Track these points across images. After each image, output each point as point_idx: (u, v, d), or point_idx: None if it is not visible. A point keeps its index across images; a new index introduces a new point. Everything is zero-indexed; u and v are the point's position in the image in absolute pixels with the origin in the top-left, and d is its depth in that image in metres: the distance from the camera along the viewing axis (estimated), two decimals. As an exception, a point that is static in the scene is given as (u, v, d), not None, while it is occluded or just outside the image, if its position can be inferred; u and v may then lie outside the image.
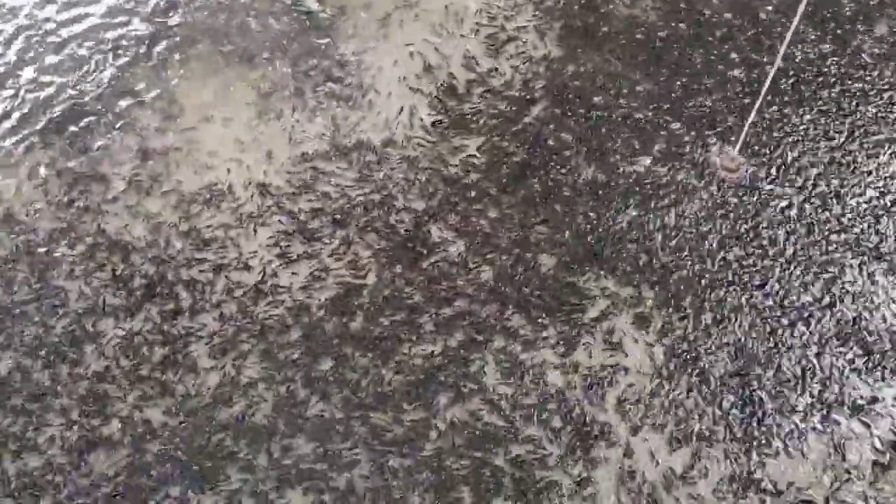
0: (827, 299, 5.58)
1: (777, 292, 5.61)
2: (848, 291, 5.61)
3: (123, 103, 6.67)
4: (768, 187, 6.05)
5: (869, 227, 5.87)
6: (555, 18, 7.06)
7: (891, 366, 5.32)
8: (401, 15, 7.06)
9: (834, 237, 5.83)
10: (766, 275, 5.66)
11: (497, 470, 4.99)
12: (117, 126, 6.55)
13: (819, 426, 5.11)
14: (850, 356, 5.36)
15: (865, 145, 6.25)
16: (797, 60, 6.70)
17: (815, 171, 6.13)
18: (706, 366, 5.33)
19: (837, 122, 6.37)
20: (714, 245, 5.81)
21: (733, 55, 6.76)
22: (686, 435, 5.09)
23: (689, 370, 5.32)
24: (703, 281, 5.67)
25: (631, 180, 6.13)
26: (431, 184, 6.16)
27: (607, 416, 5.18)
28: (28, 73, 6.89)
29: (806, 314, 5.52)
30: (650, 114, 6.47)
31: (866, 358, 5.35)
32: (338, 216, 6.02)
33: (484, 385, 5.30)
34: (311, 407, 5.23)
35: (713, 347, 5.41)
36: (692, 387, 5.26)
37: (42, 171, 6.33)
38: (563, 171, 6.19)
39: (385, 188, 6.14)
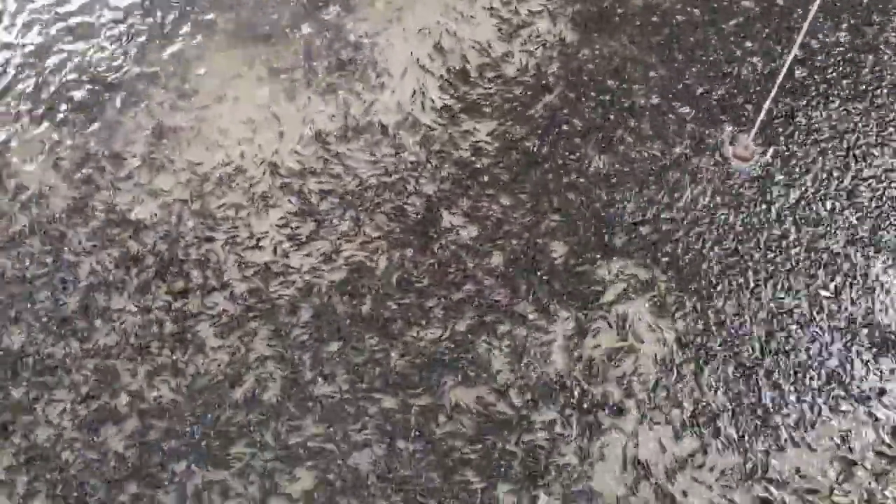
0: (837, 290, 5.55)
1: (786, 284, 5.59)
2: (859, 283, 5.57)
3: (138, 81, 6.70)
4: (781, 177, 6.01)
5: (884, 219, 5.83)
6: (569, 2, 7.01)
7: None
8: (415, -3, 7.06)
9: (845, 228, 5.79)
10: (776, 268, 5.64)
11: (504, 453, 5.01)
12: (131, 104, 6.58)
13: (826, 416, 5.09)
14: (858, 347, 5.33)
15: (883, 136, 6.19)
16: (814, 48, 6.63)
17: (830, 162, 6.08)
18: (717, 352, 5.33)
19: (854, 112, 6.31)
20: (727, 233, 5.78)
21: (749, 43, 6.70)
22: (693, 421, 5.10)
23: (701, 356, 5.31)
24: (716, 268, 5.64)
25: (644, 167, 6.09)
26: (443, 168, 6.15)
27: (615, 401, 5.19)
28: (42, 49, 6.91)
29: (816, 306, 5.50)
30: (664, 100, 6.42)
31: (875, 349, 5.33)
32: (348, 198, 6.02)
33: (491, 369, 5.31)
34: (317, 388, 5.25)
35: (724, 334, 5.40)
36: (702, 372, 5.26)
37: (56, 147, 6.36)
38: (576, 156, 6.16)
39: (396, 171, 6.13)
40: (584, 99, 6.46)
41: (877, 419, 5.08)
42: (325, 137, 6.32)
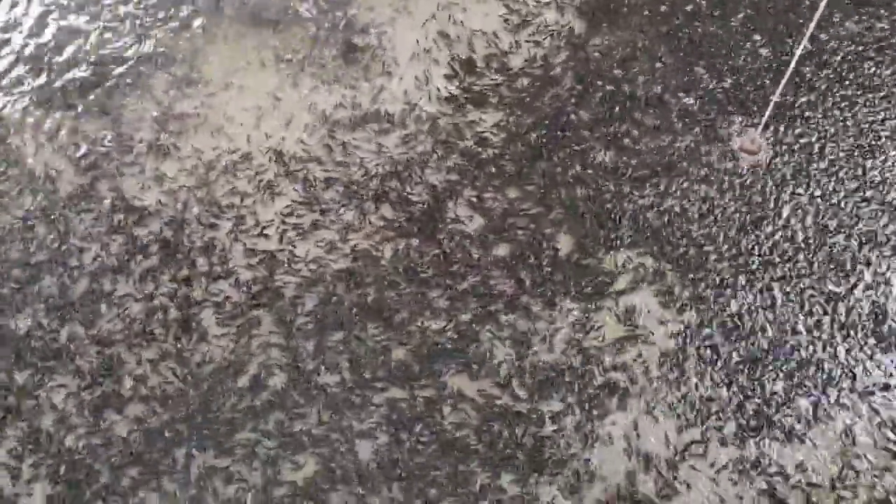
0: (845, 286, 5.54)
1: (792, 278, 5.58)
2: (867, 278, 5.56)
3: (144, 68, 6.69)
4: (788, 170, 5.99)
5: (891, 214, 5.81)
6: (577, -7, 7.00)
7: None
8: (422, -14, 7.02)
9: (853, 223, 5.77)
10: (783, 277, 5.63)
11: (508, 444, 5.02)
12: (138, 90, 6.57)
13: (830, 411, 5.09)
14: (864, 342, 5.32)
15: (893, 129, 6.16)
16: (823, 41, 6.60)
17: (838, 155, 6.06)
18: (722, 345, 5.32)
19: (864, 105, 6.28)
20: (734, 226, 5.77)
21: (757, 35, 6.67)
22: (697, 413, 5.10)
23: (706, 348, 5.31)
24: (722, 261, 5.63)
25: (651, 159, 6.08)
26: (449, 158, 6.13)
27: (619, 391, 5.19)
28: (49, 35, 6.91)
29: (823, 299, 5.49)
30: (671, 92, 6.40)
31: (880, 344, 5.32)
32: (354, 187, 6.01)
33: (495, 360, 5.31)
34: (321, 377, 5.26)
35: (730, 327, 5.39)
36: (707, 365, 5.25)
37: (62, 133, 6.36)
38: (582, 147, 6.15)
39: (402, 161, 6.12)
40: (591, 90, 6.44)
41: (880, 414, 5.07)
42: (331, 126, 6.32)
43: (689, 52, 6.61)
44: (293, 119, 6.37)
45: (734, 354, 5.29)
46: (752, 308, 5.46)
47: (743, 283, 5.56)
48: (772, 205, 5.86)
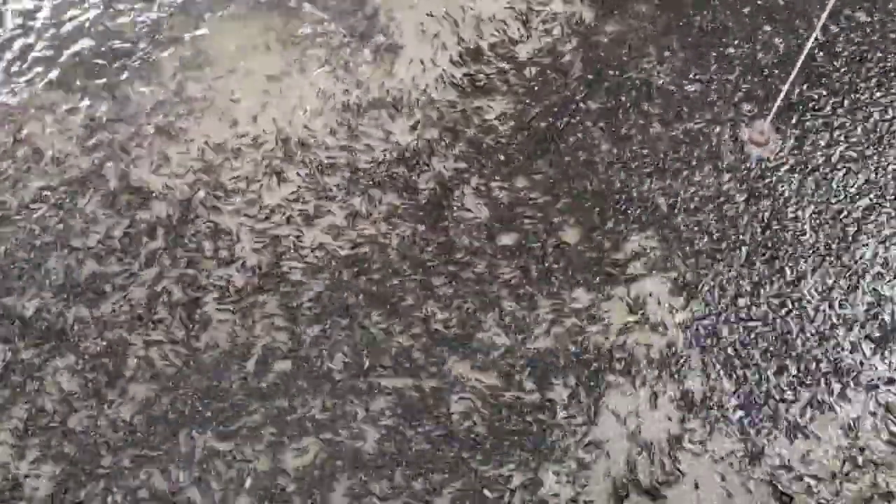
0: (851, 278, 5.52)
1: (800, 270, 5.57)
2: (874, 271, 5.54)
3: (153, 50, 6.68)
4: (797, 162, 5.97)
5: (897, 207, 5.81)
6: (588, -19, 6.96)
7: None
8: (433, -27, 6.98)
9: (862, 216, 5.75)
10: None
11: (511, 432, 5.03)
12: (144, 73, 6.56)
13: (834, 404, 5.09)
14: (866, 336, 5.31)
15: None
16: (834, 32, 6.55)
17: (848, 147, 6.03)
18: (728, 336, 5.32)
19: (874, 97, 6.24)
20: (742, 217, 5.75)
21: (768, 26, 6.63)
22: (701, 402, 5.10)
23: (712, 339, 5.30)
24: (729, 253, 5.62)
25: (659, 149, 6.05)
26: (456, 146, 6.12)
27: (624, 380, 5.19)
28: (57, 17, 6.89)
29: (828, 294, 5.47)
30: (680, 82, 6.37)
31: (883, 338, 5.30)
32: (360, 173, 6.00)
33: (500, 348, 5.31)
34: (324, 364, 5.26)
35: (737, 317, 5.38)
36: (712, 355, 5.25)
37: (69, 115, 6.36)
38: (591, 137, 6.13)
39: (409, 147, 6.11)
40: (599, 79, 6.41)
41: (884, 407, 5.06)
42: (337, 111, 6.30)
43: (699, 41, 6.58)
44: (300, 104, 6.35)
45: (740, 344, 5.28)
46: (759, 298, 5.45)
47: (750, 273, 5.54)
48: (780, 196, 5.84)
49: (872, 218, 5.74)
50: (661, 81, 6.38)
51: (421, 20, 6.78)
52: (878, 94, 6.25)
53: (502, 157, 6.05)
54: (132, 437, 5.04)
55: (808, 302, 5.44)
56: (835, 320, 5.37)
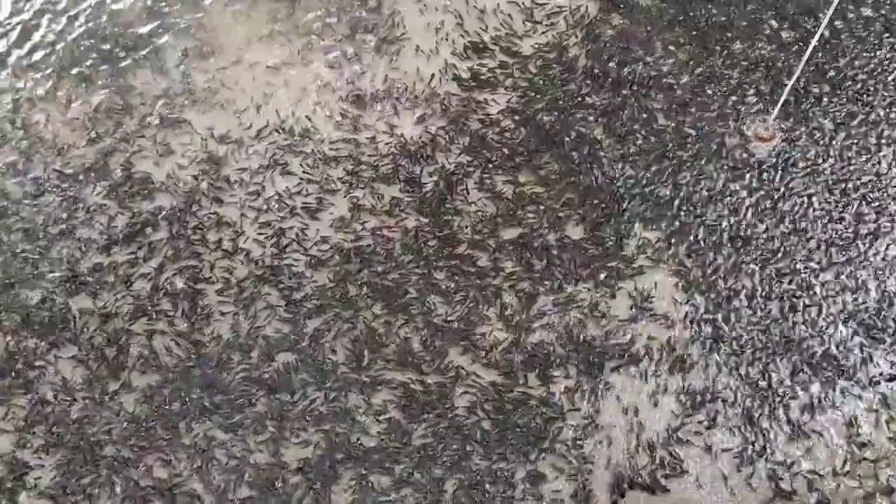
0: (855, 274, 5.51)
1: (798, 263, 5.56)
2: (878, 268, 5.53)
3: (158, 41, 6.66)
4: (801, 157, 5.95)
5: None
6: (593, -24, 6.93)
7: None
8: (438, -33, 6.95)
9: (866, 212, 5.74)
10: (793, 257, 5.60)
11: (513, 423, 5.03)
12: (150, 63, 6.55)
13: (835, 400, 5.09)
14: (872, 331, 5.31)
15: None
16: (839, 28, 6.53)
17: (854, 143, 6.00)
18: (729, 331, 5.31)
19: (879, 93, 6.21)
20: (746, 212, 5.73)
21: (774, 21, 6.60)
22: (702, 397, 5.10)
23: (713, 334, 5.30)
24: (733, 247, 5.61)
25: (664, 144, 6.04)
26: (459, 139, 6.11)
27: (625, 373, 5.19)
28: (62, 7, 6.87)
29: (832, 289, 5.47)
30: (686, 77, 6.35)
31: (885, 334, 5.30)
32: (363, 166, 5.99)
33: (502, 341, 5.31)
34: (326, 356, 5.27)
35: (738, 313, 5.38)
36: (713, 350, 5.25)
37: (74, 104, 6.35)
38: (595, 131, 6.11)
39: (413, 140, 6.10)
40: (604, 73, 6.38)
41: (886, 403, 5.06)
42: (341, 103, 6.29)
43: (704, 36, 6.55)
44: (304, 96, 6.34)
45: (741, 340, 5.28)
46: (762, 292, 5.44)
47: (753, 267, 5.53)
48: (783, 192, 5.82)
49: (878, 213, 5.73)
50: (665, 76, 6.35)
51: (425, 13, 6.75)
52: (884, 90, 6.23)
53: (506, 151, 6.03)
54: (134, 426, 5.05)
55: (811, 297, 5.43)
56: (838, 316, 5.36)
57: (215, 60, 6.54)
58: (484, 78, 6.40)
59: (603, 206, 5.79)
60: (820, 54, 6.37)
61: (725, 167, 5.94)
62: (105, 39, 6.69)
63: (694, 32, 6.57)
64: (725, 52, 6.46)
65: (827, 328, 5.32)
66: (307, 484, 4.87)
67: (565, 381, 5.17)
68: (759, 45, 6.48)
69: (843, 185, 5.84)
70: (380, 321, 5.38)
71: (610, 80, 6.35)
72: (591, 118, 6.17)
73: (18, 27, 6.77)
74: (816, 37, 5.59)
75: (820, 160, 5.94)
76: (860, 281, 5.48)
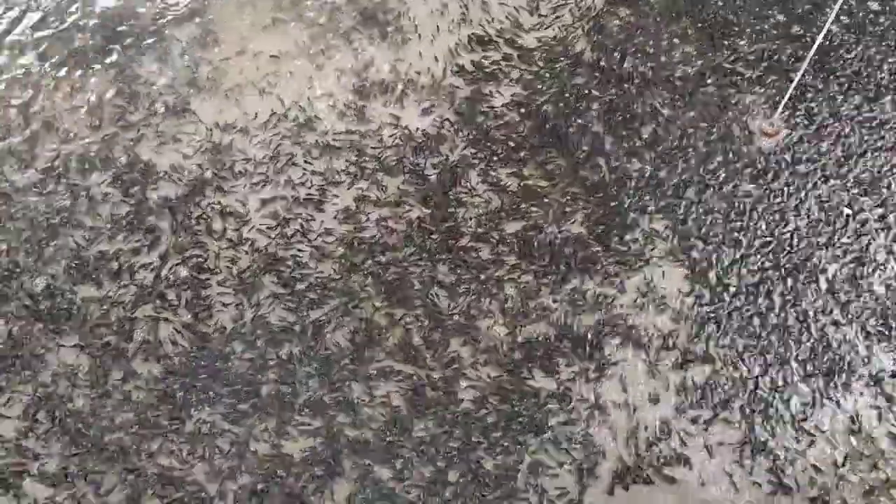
0: (860, 270, 5.51)
1: (802, 259, 5.56)
2: (883, 264, 5.53)
3: (162, 30, 6.65)
4: (808, 152, 5.94)
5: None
6: (599, -32, 6.90)
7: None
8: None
9: (872, 207, 5.73)
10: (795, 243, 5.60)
11: (515, 416, 5.04)
12: (154, 52, 6.54)
13: (837, 397, 5.09)
14: (876, 327, 5.31)
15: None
16: (846, 22, 6.50)
17: (859, 137, 5.99)
18: (733, 325, 5.32)
19: (887, 89, 6.19)
20: (751, 207, 5.73)
21: (781, 16, 6.58)
22: (704, 391, 5.11)
23: (716, 328, 5.31)
24: (737, 242, 5.61)
25: (669, 139, 6.03)
26: (464, 131, 6.10)
27: (628, 367, 5.21)
28: (65, -6, 6.88)
29: (837, 285, 5.47)
30: (691, 69, 6.34)
31: (889, 330, 5.30)
32: (367, 157, 5.99)
33: (504, 334, 5.32)
34: (327, 347, 5.27)
35: (742, 308, 5.38)
36: (716, 344, 5.26)
37: (79, 94, 6.34)
38: (600, 125, 6.10)
39: (417, 132, 6.09)
40: (609, 68, 6.37)
41: (890, 400, 5.07)
42: (346, 95, 6.28)
43: (710, 30, 6.52)
44: (309, 86, 6.33)
45: (744, 334, 5.29)
46: (766, 286, 5.45)
47: (758, 261, 5.53)
48: (789, 186, 5.81)
49: (884, 209, 5.72)
50: (671, 71, 6.34)
51: (431, 4, 6.73)
52: (891, 85, 6.21)
53: (511, 144, 6.03)
54: (138, 414, 5.06)
55: (816, 291, 5.43)
56: (842, 311, 5.36)
57: (220, 50, 6.53)
58: (489, 70, 6.39)
59: (608, 199, 5.78)
60: (826, 49, 6.35)
61: (731, 162, 5.93)
62: (110, 28, 6.68)
63: (700, 26, 6.55)
64: (732, 46, 6.45)
65: (831, 323, 5.32)
66: (310, 476, 4.88)
67: (568, 373, 5.17)
68: (766, 40, 6.46)
69: (849, 181, 5.83)
70: (383, 313, 5.38)
71: (616, 73, 6.33)
72: (597, 111, 6.16)
73: (23, 14, 6.75)
74: (823, 32, 5.57)
75: (826, 155, 5.93)
76: (865, 276, 5.48)
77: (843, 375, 5.14)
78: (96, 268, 5.57)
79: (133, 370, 5.21)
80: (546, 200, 5.78)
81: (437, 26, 6.62)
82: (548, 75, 6.35)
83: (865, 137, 5.99)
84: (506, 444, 4.95)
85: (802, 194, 5.79)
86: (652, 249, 5.60)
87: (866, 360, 5.20)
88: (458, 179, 5.89)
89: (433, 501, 4.81)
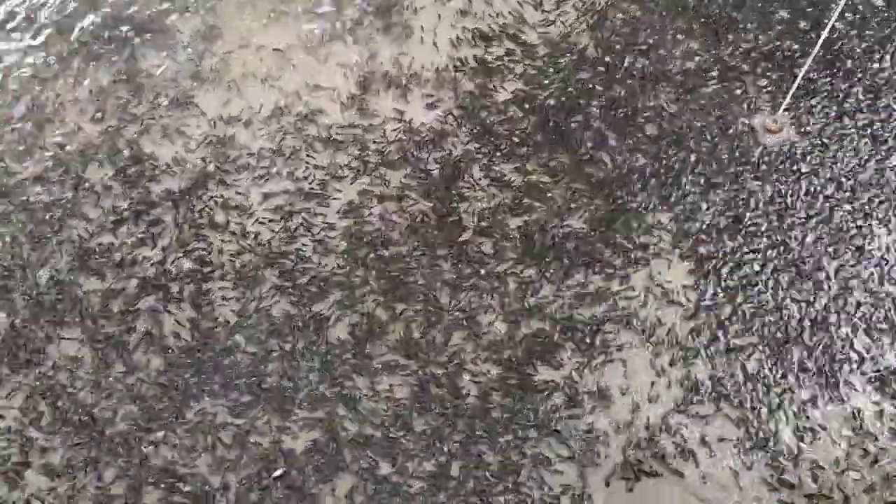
0: (863, 266, 5.51)
1: (806, 255, 5.56)
2: (888, 261, 5.53)
3: (164, 22, 6.64)
4: (810, 148, 5.94)
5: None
6: (603, -36, 6.89)
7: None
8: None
9: (875, 204, 5.73)
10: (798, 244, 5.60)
11: (516, 409, 5.05)
12: (157, 44, 6.53)
13: (841, 392, 5.09)
14: (875, 325, 5.31)
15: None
16: (850, 20, 6.50)
17: (863, 135, 5.99)
18: (735, 319, 5.32)
19: (892, 85, 6.19)
20: (754, 204, 5.73)
21: (784, 13, 6.58)
22: (706, 386, 5.11)
23: (719, 323, 5.31)
24: (741, 238, 5.61)
25: (672, 135, 6.02)
26: (467, 127, 6.09)
27: (632, 361, 5.21)
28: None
29: (840, 281, 5.47)
30: (694, 66, 6.33)
31: (889, 326, 5.30)
32: (370, 151, 5.98)
33: (504, 328, 5.32)
34: (328, 340, 5.27)
35: (745, 303, 5.38)
36: (719, 339, 5.25)
37: (81, 86, 6.34)
38: (603, 122, 6.10)
39: (421, 127, 6.08)
40: (612, 64, 6.36)
41: (893, 397, 5.07)
42: (349, 88, 6.27)
43: (715, 26, 6.52)
44: (313, 80, 6.32)
45: (747, 329, 5.29)
46: (769, 282, 5.45)
47: (761, 257, 5.53)
48: (792, 184, 5.81)
49: (888, 206, 5.72)
50: (674, 67, 6.33)
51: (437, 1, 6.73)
52: (894, 80, 6.21)
53: (514, 140, 6.02)
54: (139, 407, 5.06)
55: (818, 288, 5.43)
56: (844, 308, 5.36)
57: (223, 43, 6.52)
58: (493, 66, 6.38)
59: (611, 194, 5.78)
60: (831, 45, 6.34)
61: (734, 158, 5.92)
62: (113, 20, 6.67)
63: (704, 21, 6.55)
64: (736, 42, 6.44)
65: (833, 320, 5.32)
66: (312, 469, 4.88)
67: (571, 367, 5.17)
68: (770, 36, 6.46)
69: (853, 178, 5.83)
70: (385, 307, 5.37)
71: (620, 68, 6.33)
72: (601, 107, 6.16)
73: (26, 6, 6.74)
74: (828, 28, 5.57)
75: (829, 152, 5.93)
76: (868, 273, 5.48)
77: (847, 372, 5.14)
78: (99, 260, 5.57)
79: (135, 362, 5.21)
80: (549, 196, 5.78)
81: (441, 20, 6.61)
82: (552, 70, 6.34)
83: (870, 134, 5.99)
84: (508, 437, 4.95)
85: (806, 191, 5.79)
86: (655, 244, 5.60)
87: (869, 356, 5.20)
88: (461, 174, 5.88)
89: (435, 495, 4.81)
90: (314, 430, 4.99)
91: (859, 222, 5.67)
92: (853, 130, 6.01)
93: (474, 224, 5.68)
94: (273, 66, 6.39)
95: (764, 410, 5.03)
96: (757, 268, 5.51)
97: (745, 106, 6.15)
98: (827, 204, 5.73)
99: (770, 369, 5.16)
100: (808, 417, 5.01)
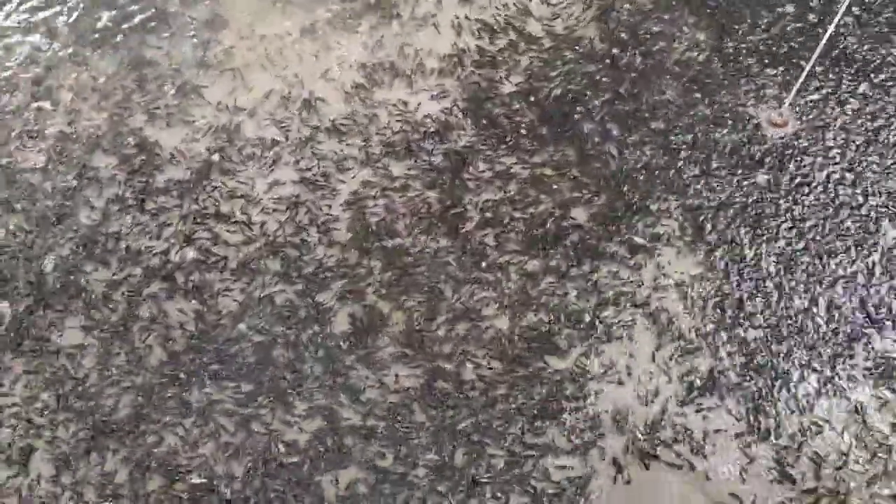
0: (868, 262, 5.51)
1: (811, 247, 5.56)
2: (888, 257, 5.53)
3: (169, 13, 6.63)
4: (815, 143, 5.93)
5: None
6: (609, -44, 6.87)
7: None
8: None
9: (881, 199, 5.73)
10: (803, 236, 5.60)
11: (516, 406, 5.05)
12: (162, 36, 6.53)
13: (844, 386, 5.10)
14: (880, 317, 5.31)
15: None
16: (857, 12, 6.49)
17: (871, 129, 5.98)
18: (737, 313, 5.32)
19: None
20: (758, 198, 5.73)
21: (790, 6, 6.56)
22: (707, 378, 5.12)
23: (722, 317, 5.31)
24: (744, 233, 5.60)
25: (677, 128, 6.02)
26: (471, 119, 6.08)
27: (635, 356, 5.21)
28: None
29: (843, 278, 5.47)
30: (700, 58, 6.32)
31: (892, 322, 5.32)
32: (374, 143, 5.98)
33: (505, 321, 5.32)
34: (328, 335, 5.27)
35: (747, 297, 5.38)
36: (721, 332, 5.26)
37: (85, 76, 6.33)
38: (607, 114, 6.09)
39: (425, 119, 6.08)
40: (618, 56, 6.35)
41: (891, 390, 5.08)
42: (354, 79, 6.27)
43: (721, 19, 6.51)
44: (317, 70, 6.32)
45: (750, 322, 5.29)
46: (774, 276, 5.45)
47: (766, 251, 5.53)
48: (798, 178, 5.81)
49: (893, 200, 5.71)
50: (679, 59, 6.32)
51: (440, -8, 6.74)
52: (899, 79, 6.22)
53: (518, 132, 6.02)
54: (143, 396, 5.07)
55: (821, 282, 5.43)
56: (848, 301, 5.36)
57: (228, 33, 6.51)
58: (497, 58, 6.37)
59: (617, 187, 5.77)
60: (837, 39, 6.33)
61: (740, 151, 5.92)
62: (118, 9, 6.66)
63: (710, 13, 6.54)
64: (742, 35, 6.43)
65: (836, 314, 5.32)
66: (314, 462, 4.89)
67: (576, 357, 5.18)
68: (776, 29, 6.44)
69: (859, 173, 5.82)
70: (389, 299, 5.37)
71: (625, 61, 6.32)
72: (607, 100, 6.15)
73: (30, -4, 6.76)
74: (835, 22, 5.56)
75: (835, 147, 5.93)
76: (872, 267, 5.47)
77: (851, 365, 5.14)
78: (103, 249, 5.57)
79: (139, 352, 5.22)
80: (554, 188, 5.78)
81: (447, 11, 6.60)
82: (557, 63, 6.33)
83: (876, 128, 5.98)
84: (512, 429, 4.96)
85: (812, 184, 5.78)
86: (661, 236, 5.59)
87: (873, 349, 5.20)
88: (465, 166, 5.88)
89: (439, 486, 4.82)
90: (316, 420, 5.00)
91: (864, 214, 5.66)
92: (860, 124, 6.00)
93: (479, 217, 5.67)
94: (278, 56, 6.39)
95: (769, 403, 5.03)
96: (763, 259, 5.50)
97: (750, 99, 6.14)
98: (832, 197, 5.73)
99: (775, 360, 5.15)
100: (810, 410, 5.02)
